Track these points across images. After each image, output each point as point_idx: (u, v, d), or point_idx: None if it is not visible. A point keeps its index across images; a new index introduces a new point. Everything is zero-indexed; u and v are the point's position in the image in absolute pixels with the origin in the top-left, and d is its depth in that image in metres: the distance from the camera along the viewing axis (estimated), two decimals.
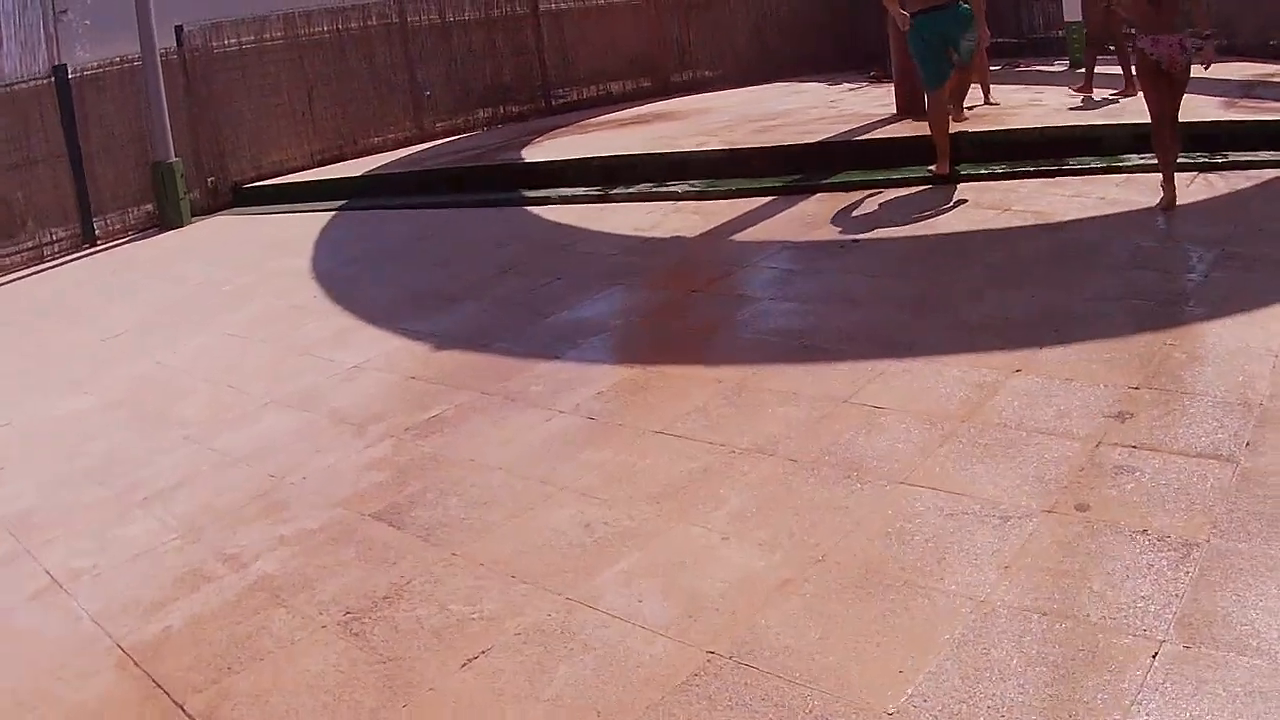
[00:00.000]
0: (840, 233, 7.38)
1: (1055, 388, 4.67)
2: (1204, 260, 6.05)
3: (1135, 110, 8.51)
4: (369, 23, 13.97)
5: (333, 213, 11.12)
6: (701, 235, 7.96)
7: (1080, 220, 7.02)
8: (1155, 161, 7.27)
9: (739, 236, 7.77)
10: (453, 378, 5.89)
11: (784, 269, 6.92)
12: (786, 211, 8.16)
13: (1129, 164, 8.10)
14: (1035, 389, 4.68)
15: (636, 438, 4.79)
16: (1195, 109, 8.89)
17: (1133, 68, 8.10)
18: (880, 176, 8.48)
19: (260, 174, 12.98)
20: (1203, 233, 6.56)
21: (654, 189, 9.42)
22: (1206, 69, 6.89)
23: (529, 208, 9.92)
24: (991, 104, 10.02)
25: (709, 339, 5.94)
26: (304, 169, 13.20)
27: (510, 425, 5.15)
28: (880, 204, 8.00)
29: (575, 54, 15.30)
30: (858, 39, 14.72)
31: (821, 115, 10.74)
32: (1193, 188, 7.54)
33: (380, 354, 6.49)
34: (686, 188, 9.18)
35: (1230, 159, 7.99)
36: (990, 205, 7.56)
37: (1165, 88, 6.72)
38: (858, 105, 11.18)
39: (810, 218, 7.85)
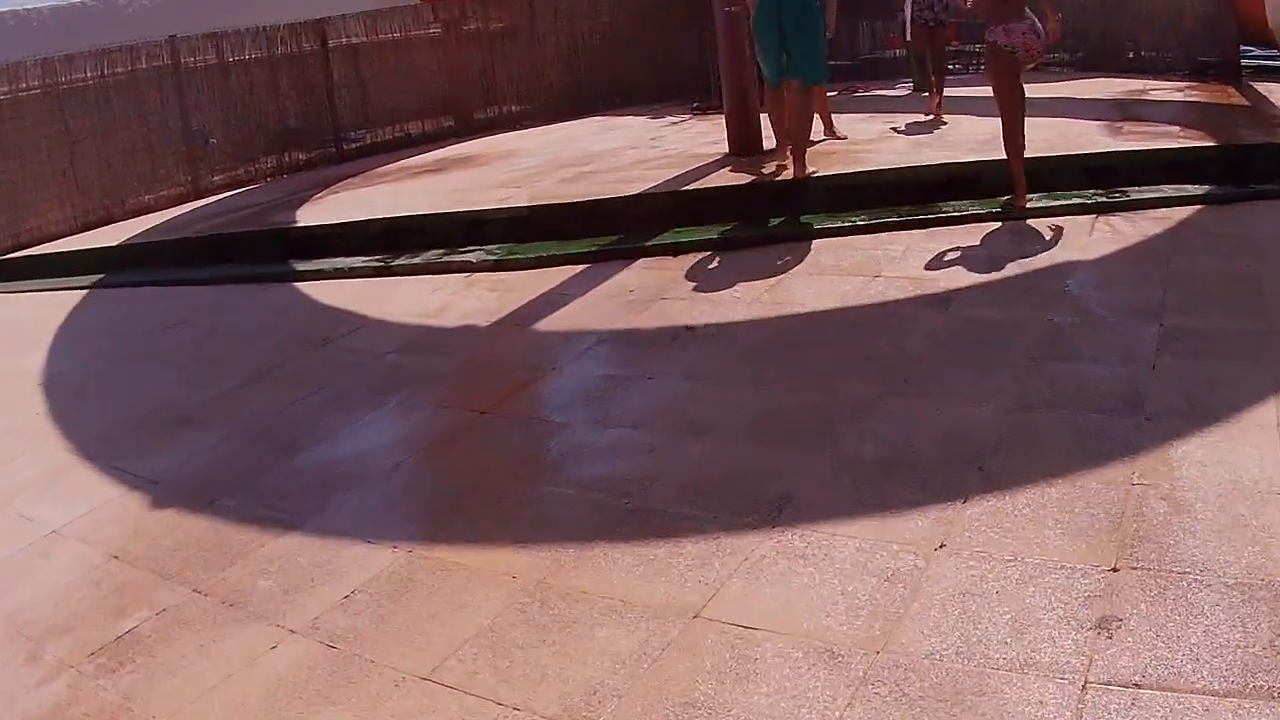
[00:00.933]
0: (672, 316, 5.72)
1: (999, 578, 3.21)
2: (1142, 342, 4.67)
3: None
4: (137, 66, 11.87)
5: (86, 290, 8.99)
6: (498, 323, 6.23)
7: (972, 288, 5.57)
8: (1050, 204, 6.02)
9: (544, 324, 6.05)
10: (164, 560, 4.16)
11: (602, 374, 5.24)
12: (604, 285, 6.49)
13: (1011, 211, 6.72)
14: (971, 582, 3.21)
15: (392, 690, 3.15)
16: (1081, 137, 7.64)
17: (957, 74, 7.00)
18: (715, 234, 6.90)
19: (19, 243, 10.76)
20: (1127, 299, 5.19)
21: (445, 257, 7.65)
22: (1053, 43, 6.78)
23: (300, 284, 8.04)
24: (838, 138, 8.57)
25: (500, 497, 4.21)
26: (69, 234, 11.04)
27: (224, 655, 3.47)
28: (717, 270, 6.44)
29: (370, 93, 13.44)
30: (680, 68, 13.26)
31: (641, 157, 9.14)
32: (1096, 236, 6.21)
33: (87, 511, 4.71)
34: (482, 255, 7.44)
35: (1132, 197, 6.70)
36: (855, 269, 6.05)
37: (1016, 82, 6.47)
38: (683, 144, 9.65)
39: (633, 294, 6.20)
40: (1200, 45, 12.33)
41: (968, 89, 11.71)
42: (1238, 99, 9.99)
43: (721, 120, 9.13)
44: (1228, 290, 5.23)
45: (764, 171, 7.71)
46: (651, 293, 6.21)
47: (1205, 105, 9.59)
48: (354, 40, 13.39)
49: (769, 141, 8.53)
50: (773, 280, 6.06)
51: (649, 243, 6.97)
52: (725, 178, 7.79)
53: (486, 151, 11.41)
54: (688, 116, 11.91)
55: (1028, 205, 6.71)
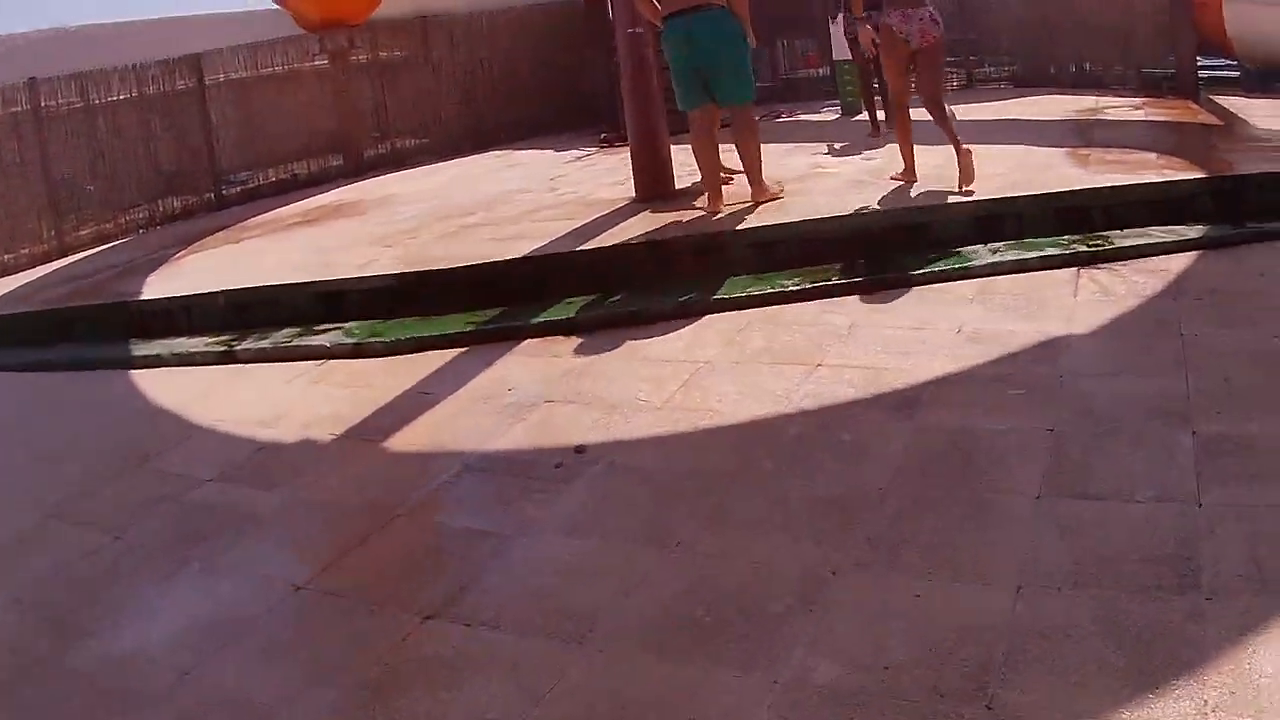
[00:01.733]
0: (558, 429, 4.42)
1: None
2: (1176, 461, 3.48)
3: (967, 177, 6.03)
4: None
5: None
6: (344, 436, 4.88)
7: (944, 381, 4.32)
8: (1022, 257, 4.97)
9: (401, 438, 4.72)
10: None
11: (464, 527, 3.91)
12: (479, 379, 5.18)
13: (978, 263, 5.52)
14: None
15: None
16: (1046, 170, 6.46)
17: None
18: (616, 308, 5.59)
19: None
20: (1142, 393, 3.98)
21: (299, 338, 6.29)
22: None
23: (135, 372, 6.61)
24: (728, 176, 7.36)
25: None
26: None
27: None
28: (618, 357, 5.14)
29: (253, 133, 12.04)
30: (587, 95, 11.99)
31: (537, 203, 7.84)
32: (1083, 297, 5.03)
33: None
34: (340, 337, 6.09)
35: (1117, 244, 5.52)
36: (792, 355, 4.80)
37: (909, 68, 6.34)
38: (585, 185, 8.36)
39: (514, 394, 4.89)
40: (1153, 57, 11.33)
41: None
42: (1206, 116, 8.94)
43: (629, 156, 7.84)
44: (1264, 375, 4.04)
45: (680, 220, 6.42)
46: (535, 392, 4.88)
47: (1173, 125, 8.51)
48: (233, 76, 12.01)
49: (684, 179, 7.28)
50: (687, 373, 4.76)
51: (536, 320, 5.64)
52: (632, 229, 6.49)
53: (368, 197, 10.02)
54: (594, 150, 10.64)
55: (1003, 255, 5.51)
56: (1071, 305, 5.03)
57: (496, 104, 12.61)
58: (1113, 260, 5.56)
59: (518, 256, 6.15)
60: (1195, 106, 9.70)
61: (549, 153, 10.98)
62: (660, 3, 6.16)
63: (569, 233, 6.63)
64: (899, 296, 5.38)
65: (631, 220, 6.69)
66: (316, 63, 12.22)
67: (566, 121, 11.84)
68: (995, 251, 5.71)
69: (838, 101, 11.15)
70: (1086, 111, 9.51)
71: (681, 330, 5.32)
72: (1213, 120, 8.74)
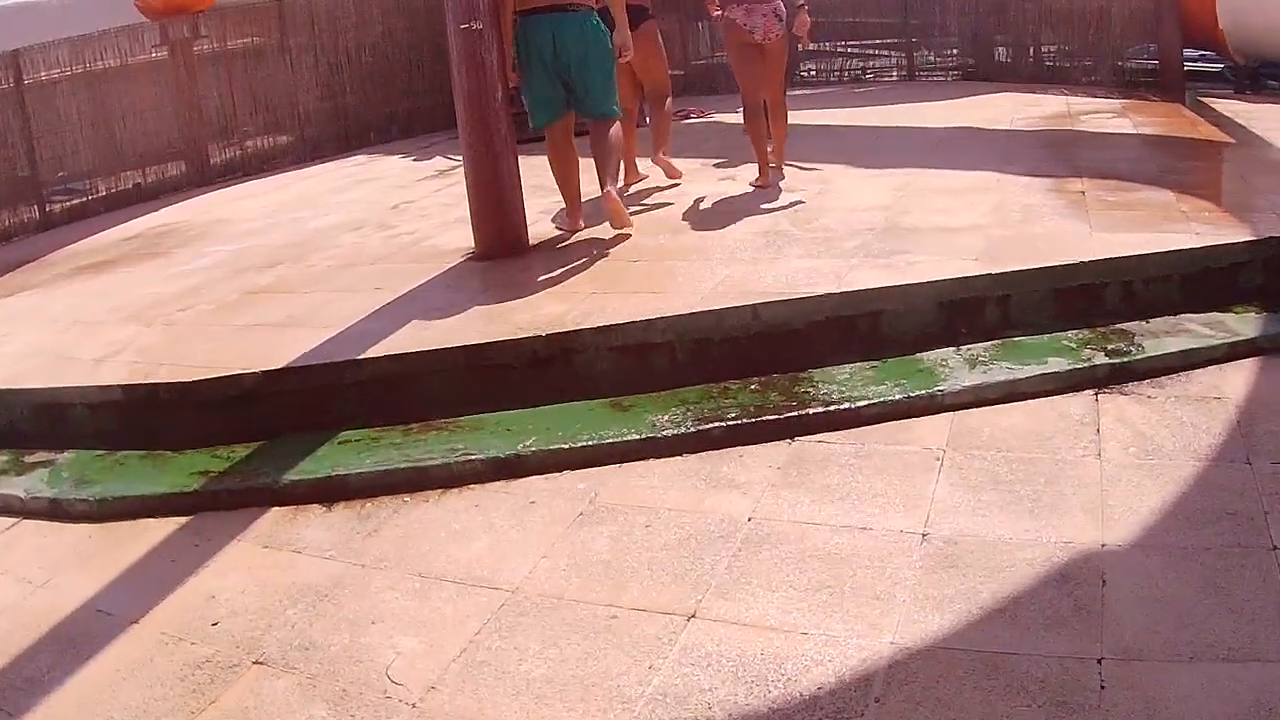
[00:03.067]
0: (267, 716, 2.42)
1: None
2: None
3: (932, 246, 4.12)
4: None
5: None
6: None
7: (900, 681, 2.30)
8: (1014, 375, 3.30)
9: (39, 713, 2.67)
10: None
11: None
12: (182, 590, 3.28)
13: (950, 387, 3.61)
14: None
15: None
16: (1032, 217, 4.55)
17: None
18: (399, 466, 3.57)
19: None
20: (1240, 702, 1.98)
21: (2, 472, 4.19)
22: (802, 40, 6.14)
23: None
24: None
25: None
26: None
27: None
28: (386, 555, 3.22)
29: (83, 139, 9.77)
30: None
31: (357, 252, 5.89)
32: (1112, 453, 3.14)
33: None
34: (43, 480, 4.08)
35: (1147, 351, 3.62)
36: (651, 585, 2.85)
37: (759, 67, 5.80)
38: (430, 218, 6.41)
39: (218, 632, 2.86)
40: (1129, 50, 9.46)
41: (831, 110, 8.78)
42: (1207, 128, 7.08)
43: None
44: None
45: (528, 294, 4.43)
46: (247, 634, 2.91)
47: (1175, 143, 6.64)
48: (58, 74, 9.71)
49: (540, 221, 5.31)
50: (477, 618, 2.82)
51: (286, 478, 3.62)
52: (455, 307, 4.47)
53: (195, 221, 7.90)
54: (459, 159, 8.56)
55: (987, 369, 3.58)
56: (1097, 473, 3.12)
57: (365, 98, 10.46)
58: (1144, 377, 3.66)
59: (276, 367, 4.09)
60: (1189, 112, 7.85)
61: (410, 161, 8.91)
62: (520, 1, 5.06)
63: (374, 312, 4.62)
64: (830, 446, 3.43)
65: (460, 293, 4.67)
66: (155, 55, 9.98)
67: (448, 117, 9.66)
68: (973, 361, 3.79)
69: None
70: (1059, 118, 7.63)
71: (489, 508, 3.33)
72: (1218, 134, 6.87)
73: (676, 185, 6.38)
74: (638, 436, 3.56)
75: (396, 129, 10.45)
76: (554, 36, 4.98)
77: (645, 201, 6.07)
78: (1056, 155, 6.33)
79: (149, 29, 9.99)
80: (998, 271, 4.10)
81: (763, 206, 5.59)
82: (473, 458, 3.60)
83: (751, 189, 5.93)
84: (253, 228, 7.15)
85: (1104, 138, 6.88)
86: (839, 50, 11.57)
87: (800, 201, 5.56)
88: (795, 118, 8.70)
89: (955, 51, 10.90)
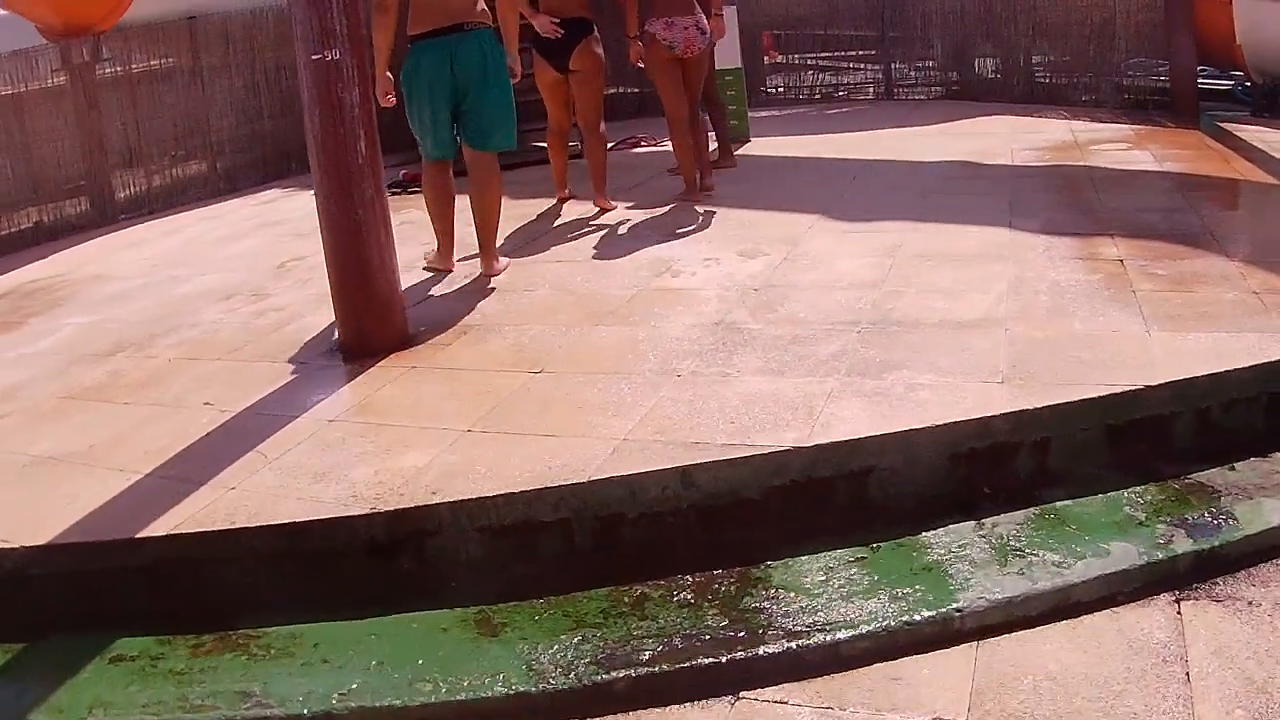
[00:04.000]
0: None
1: None
2: None
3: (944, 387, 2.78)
4: None
5: None
6: None
7: None
8: (1063, 579, 2.12)
9: None
10: None
11: None
12: None
13: (970, 601, 2.26)
14: None
15: None
16: (1052, 289, 3.22)
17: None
18: (184, 713, 2.28)
19: None
20: None
21: None
22: (716, 40, 5.70)
23: None
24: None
25: None
26: None
27: None
28: None
29: None
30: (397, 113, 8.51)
31: (212, 334, 4.66)
32: (1207, 702, 1.70)
33: None
34: None
35: (1240, 523, 2.38)
36: None
37: (680, 80, 5.48)
38: (308, 285, 5.09)
39: None
40: (1135, 67, 8.21)
41: (800, 137, 7.46)
42: (1240, 162, 5.83)
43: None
44: None
45: (406, 411, 3.18)
46: None
47: (1211, 184, 5.40)
48: None
49: (425, 304, 4.01)
50: None
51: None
52: (295, 435, 3.18)
53: (61, 281, 6.55)
54: (391, 193, 7.25)
55: (1023, 560, 2.31)
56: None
57: (285, 123, 9.09)
58: (1238, 565, 2.41)
59: (40, 544, 2.77)
60: (1212, 142, 6.60)
61: None
62: (416, 17, 4.42)
63: (187, 449, 3.30)
64: (791, 712, 2.14)
65: (297, 421, 3.34)
66: (54, 82, 8.61)
67: (393, 144, 8.29)
68: (1003, 548, 2.52)
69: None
70: (1065, 149, 6.38)
71: None
72: (1257, 172, 5.62)
73: (606, 228, 5.10)
74: (506, 690, 2.26)
75: None
76: (452, 59, 4.34)
77: (566, 254, 4.80)
78: (1074, 202, 5.07)
79: (46, 52, 8.63)
80: (1035, 407, 2.80)
81: (713, 272, 4.29)
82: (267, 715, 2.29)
83: (698, 210, 5.44)
84: (121, 290, 5.82)
85: (1125, 178, 5.62)
86: (809, 64, 10.27)
87: (758, 279, 4.23)
88: (759, 144, 7.48)
89: (937, 67, 9.62)
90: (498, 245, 4.80)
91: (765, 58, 10.37)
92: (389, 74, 4.42)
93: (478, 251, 4.69)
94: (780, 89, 10.23)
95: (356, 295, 3.79)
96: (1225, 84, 8.73)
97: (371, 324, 3.81)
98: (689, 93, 5.56)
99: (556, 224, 5.60)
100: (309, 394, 3.56)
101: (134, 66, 8.90)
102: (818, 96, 10.07)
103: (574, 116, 5.79)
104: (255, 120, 9.03)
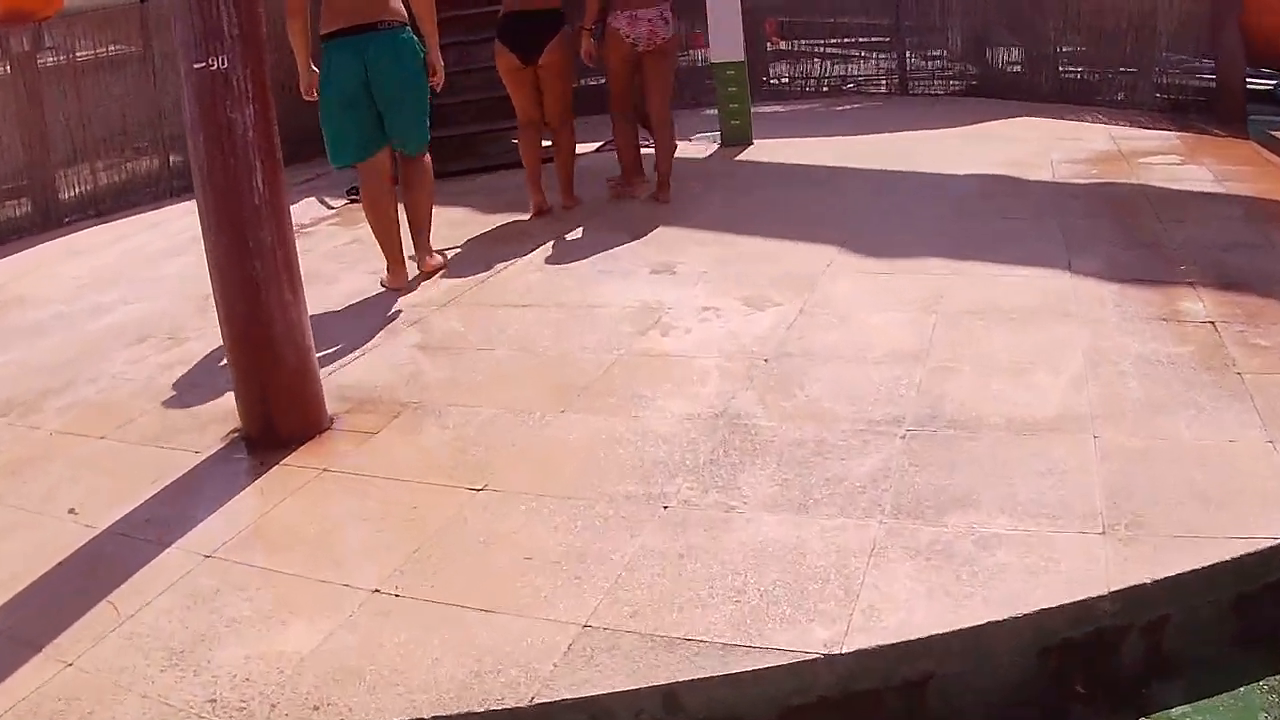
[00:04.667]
0: None
1: None
2: None
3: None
4: None
5: None
6: None
7: None
8: None
9: None
10: None
11: None
12: None
13: None
14: None
15: None
16: (1170, 409, 2.31)
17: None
18: None
19: None
20: None
21: None
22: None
23: None
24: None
25: None
26: None
27: None
28: None
29: None
30: None
31: (108, 397, 3.82)
32: None
33: None
34: None
35: None
36: None
37: (635, 75, 5.12)
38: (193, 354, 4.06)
39: None
40: (1176, 65, 7.31)
41: (807, 139, 6.46)
42: None
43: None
44: None
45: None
46: None
47: None
48: None
49: (352, 377, 3.19)
50: None
51: None
52: (163, 569, 2.34)
53: None
54: (343, 204, 6.45)
55: None
56: None
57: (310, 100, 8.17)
58: None
59: None
60: (1269, 154, 5.73)
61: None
62: (328, 15, 4.10)
63: (52, 570, 2.48)
64: None
65: (180, 543, 2.53)
66: None
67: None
68: None
69: (719, 128, 6.93)
70: (1110, 161, 5.54)
71: None
72: None
73: (585, 253, 4.26)
74: None
75: (286, 150, 8.17)
76: (364, 59, 4.05)
77: (536, 293, 3.95)
78: (1136, 234, 4.21)
79: None
80: (1151, 581, 1.96)
81: (710, 330, 3.42)
82: None
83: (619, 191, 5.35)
84: (36, 321, 4.98)
85: (1185, 201, 4.75)
86: (816, 52, 9.34)
87: (768, 343, 3.36)
88: (763, 148, 6.60)
89: (956, 59, 8.71)
90: (471, 284, 3.94)
91: (768, 44, 9.46)
92: (313, 67, 4.15)
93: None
94: (785, 80, 9.32)
95: (257, 372, 2.93)
96: (1265, 84, 7.82)
97: (278, 407, 2.95)
98: (656, 87, 5.14)
99: (528, 247, 4.73)
100: (192, 506, 2.72)
101: (79, 55, 8.00)
102: (825, 90, 9.16)
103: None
104: None
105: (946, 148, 6.17)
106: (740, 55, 6.82)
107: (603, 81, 5.85)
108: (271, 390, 2.96)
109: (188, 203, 7.43)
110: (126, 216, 7.43)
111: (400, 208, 4.42)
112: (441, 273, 4.48)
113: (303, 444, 3.00)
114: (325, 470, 2.85)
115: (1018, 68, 8.30)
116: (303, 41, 4.12)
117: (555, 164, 5.30)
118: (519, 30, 4.89)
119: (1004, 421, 2.65)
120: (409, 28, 4.16)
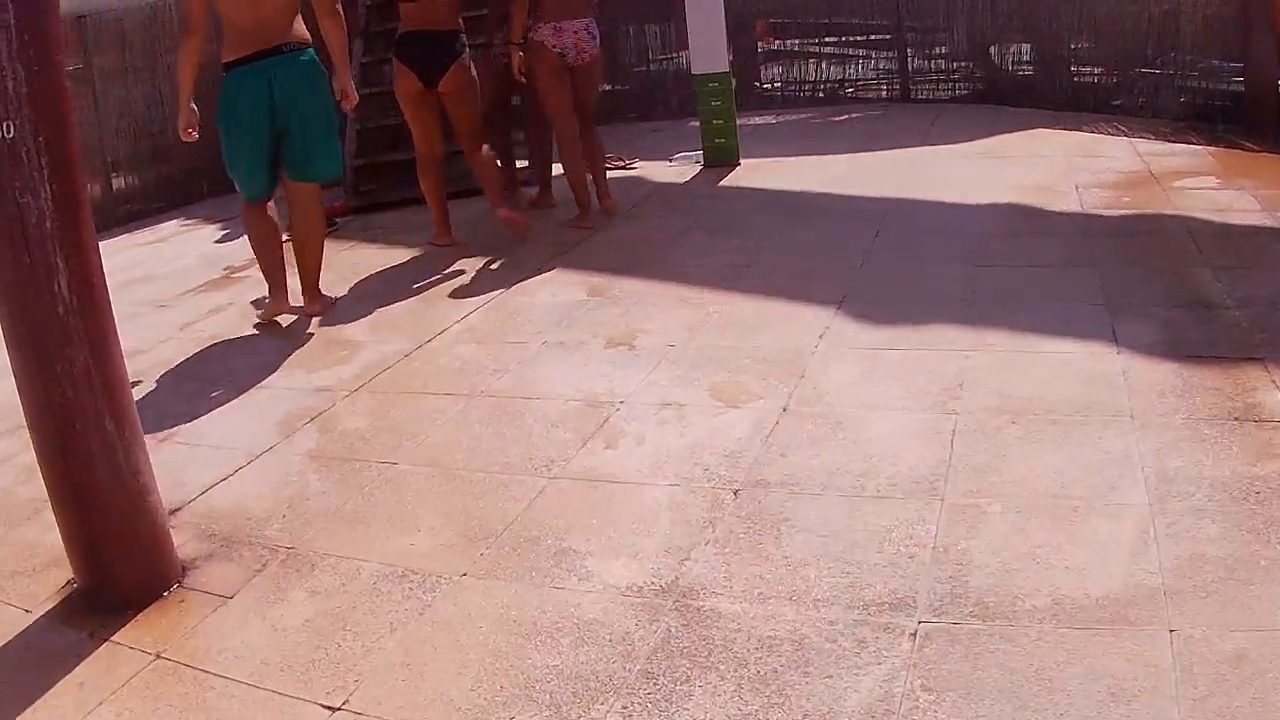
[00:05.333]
0: None
1: None
2: None
3: None
4: None
5: None
6: None
7: None
8: None
9: None
10: None
11: None
12: None
13: None
14: None
15: None
16: None
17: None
18: None
19: None
20: None
21: None
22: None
23: None
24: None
25: None
26: None
27: None
28: None
29: None
30: None
31: None
32: None
33: None
34: None
35: None
36: None
37: (569, 88, 4.83)
38: None
39: None
40: (1201, 69, 6.52)
41: (797, 159, 5.64)
42: None
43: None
44: None
45: None
46: None
47: None
48: None
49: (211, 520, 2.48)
50: None
51: None
52: None
53: None
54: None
55: None
56: None
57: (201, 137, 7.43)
58: None
59: None
60: None
61: (216, 243, 5.93)
62: (230, 42, 3.79)
63: None
64: None
65: None
66: None
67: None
68: None
69: (701, 144, 6.17)
70: (1141, 185, 4.81)
71: None
72: None
73: (522, 312, 3.50)
74: None
75: (211, 179, 7.39)
76: (271, 85, 3.77)
77: (461, 370, 3.20)
78: (1185, 286, 3.47)
79: None
80: None
81: (670, 464, 2.64)
82: None
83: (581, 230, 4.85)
84: None
85: (1235, 239, 3.99)
86: (812, 52, 8.57)
87: (739, 462, 2.60)
88: (750, 170, 5.85)
89: (961, 63, 7.93)
90: (393, 358, 3.20)
91: (759, 44, 8.69)
92: (193, 106, 3.81)
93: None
94: (777, 85, 8.55)
95: (81, 520, 2.19)
96: None
97: (111, 559, 2.23)
98: (581, 104, 4.89)
99: (467, 307, 3.99)
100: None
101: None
102: (821, 95, 8.39)
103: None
104: (158, 134, 7.35)
105: (957, 169, 5.41)
106: (724, 66, 6.07)
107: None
108: (101, 540, 2.22)
109: (132, 231, 6.78)
110: None
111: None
112: (362, 350, 3.74)
113: (144, 607, 2.27)
114: (159, 657, 2.11)
115: (1028, 70, 7.53)
116: (191, 70, 3.79)
117: (485, 187, 4.91)
118: (419, 51, 4.54)
119: (1049, 605, 1.90)
120: (312, 50, 3.87)
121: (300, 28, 3.82)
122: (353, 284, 4.51)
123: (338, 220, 5.95)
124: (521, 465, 2.65)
